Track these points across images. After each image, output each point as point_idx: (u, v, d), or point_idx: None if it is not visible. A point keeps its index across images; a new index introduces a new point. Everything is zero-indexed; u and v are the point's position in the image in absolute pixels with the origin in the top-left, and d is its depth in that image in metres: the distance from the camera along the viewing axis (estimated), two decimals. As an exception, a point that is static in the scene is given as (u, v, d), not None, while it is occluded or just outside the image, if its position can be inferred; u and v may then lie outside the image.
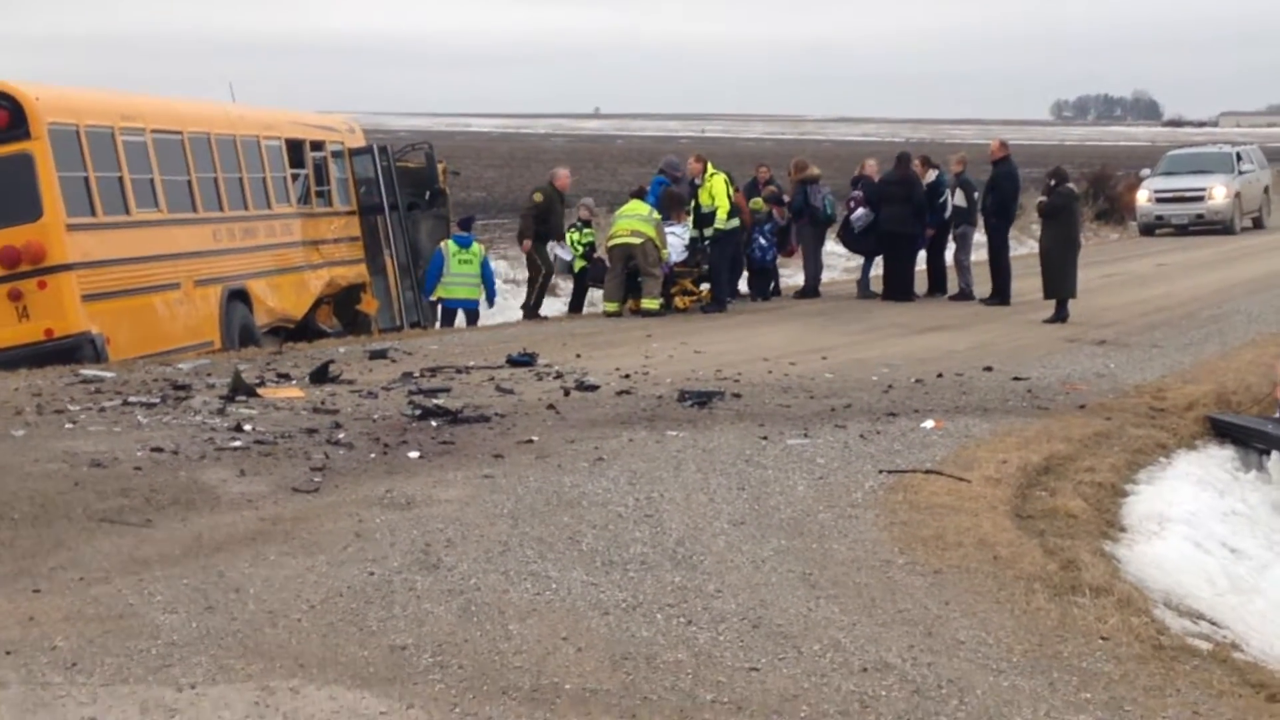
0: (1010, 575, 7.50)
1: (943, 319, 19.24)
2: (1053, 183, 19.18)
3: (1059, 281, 18.73)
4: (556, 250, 20.68)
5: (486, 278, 20.43)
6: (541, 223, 20.54)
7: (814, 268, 22.80)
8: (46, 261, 15.08)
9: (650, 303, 19.68)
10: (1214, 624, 7.65)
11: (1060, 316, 18.61)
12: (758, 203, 21.74)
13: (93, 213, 15.86)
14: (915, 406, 12.19)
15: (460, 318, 20.26)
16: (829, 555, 7.80)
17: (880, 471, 9.70)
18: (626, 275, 20.03)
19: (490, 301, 21.07)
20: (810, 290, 22.51)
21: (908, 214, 21.25)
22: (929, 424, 11.34)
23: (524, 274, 26.98)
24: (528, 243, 20.65)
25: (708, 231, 20.00)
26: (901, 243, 21.66)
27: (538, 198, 20.54)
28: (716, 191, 19.95)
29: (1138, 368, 14.83)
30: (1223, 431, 12.36)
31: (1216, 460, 11.74)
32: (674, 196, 20.61)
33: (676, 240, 20.18)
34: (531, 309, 20.84)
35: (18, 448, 10.14)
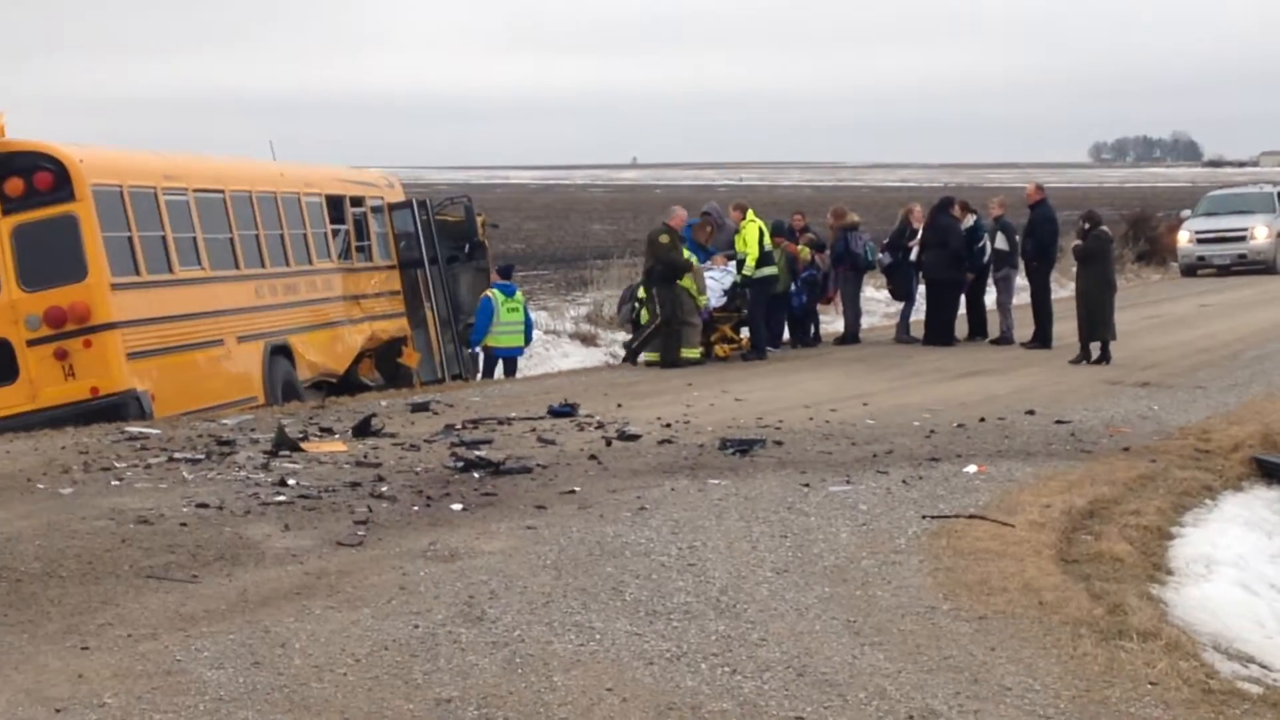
0: (1056, 620, 7.45)
1: (984, 363, 19.19)
2: (1087, 226, 19.15)
3: (1098, 324, 18.68)
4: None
5: (528, 324, 20.59)
6: (669, 264, 20.05)
7: (853, 314, 22.80)
8: (91, 320, 15.22)
9: (689, 352, 19.70)
10: (1264, 667, 7.57)
11: (1103, 358, 18.55)
12: (804, 250, 21.77)
13: (136, 272, 16.01)
14: (957, 451, 12.15)
15: (499, 368, 20.32)
16: (873, 602, 7.77)
17: (923, 517, 9.67)
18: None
19: (527, 344, 21.13)
20: (850, 336, 22.50)
21: (945, 259, 21.24)
22: (972, 469, 11.30)
23: (563, 325, 27.16)
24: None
25: (738, 276, 20.06)
26: (941, 287, 21.65)
27: (665, 239, 19.63)
28: (749, 239, 19.99)
29: (1182, 409, 14.75)
30: (1269, 472, 12.26)
31: (1263, 501, 11.65)
32: (707, 221, 20.79)
33: (715, 285, 20.18)
34: (634, 353, 20.35)
35: (65, 506, 10.22)
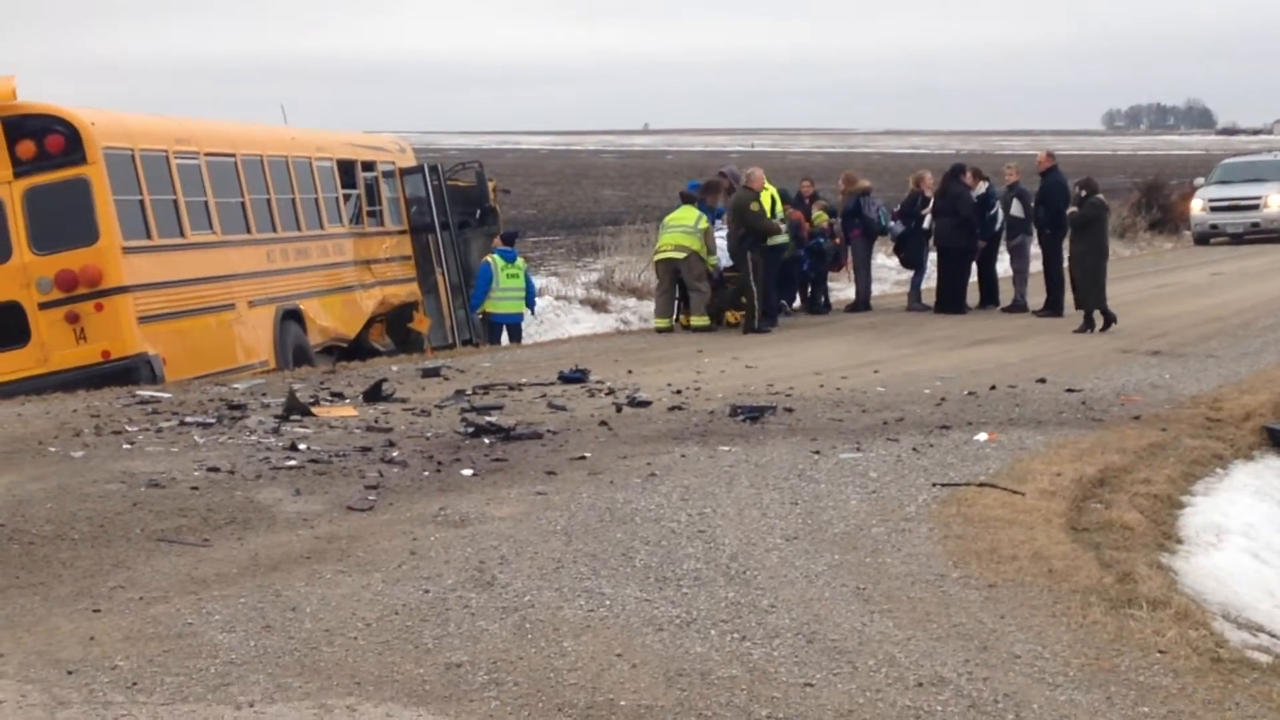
0: (1066, 588, 7.46)
1: (995, 331, 19.16)
2: (1083, 194, 19.12)
3: (1092, 292, 18.68)
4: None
5: (530, 290, 20.56)
6: (761, 229, 19.58)
7: (865, 281, 22.77)
8: (103, 284, 15.23)
9: (699, 320, 19.68)
10: (1273, 636, 7.58)
11: (1105, 324, 18.53)
12: (820, 216, 21.71)
13: (148, 235, 16.02)
14: (968, 419, 12.14)
15: (504, 334, 20.33)
16: (883, 570, 7.78)
17: (933, 485, 9.67)
18: (676, 289, 20.05)
19: (532, 311, 21.10)
20: (862, 304, 22.48)
21: (956, 227, 21.19)
22: (982, 436, 11.30)
23: (574, 291, 27.17)
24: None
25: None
26: (952, 255, 21.61)
27: (755, 206, 19.39)
28: (762, 205, 19.91)
29: (1193, 378, 14.73)
30: (1280, 442, 12.25)
31: (1274, 470, 11.64)
32: (713, 184, 20.69)
33: (726, 244, 20.12)
34: (718, 316, 20.01)
35: (77, 469, 10.25)
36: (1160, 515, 9.58)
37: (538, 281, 24.34)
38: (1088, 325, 18.73)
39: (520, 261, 20.49)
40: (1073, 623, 6.97)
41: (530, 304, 20.82)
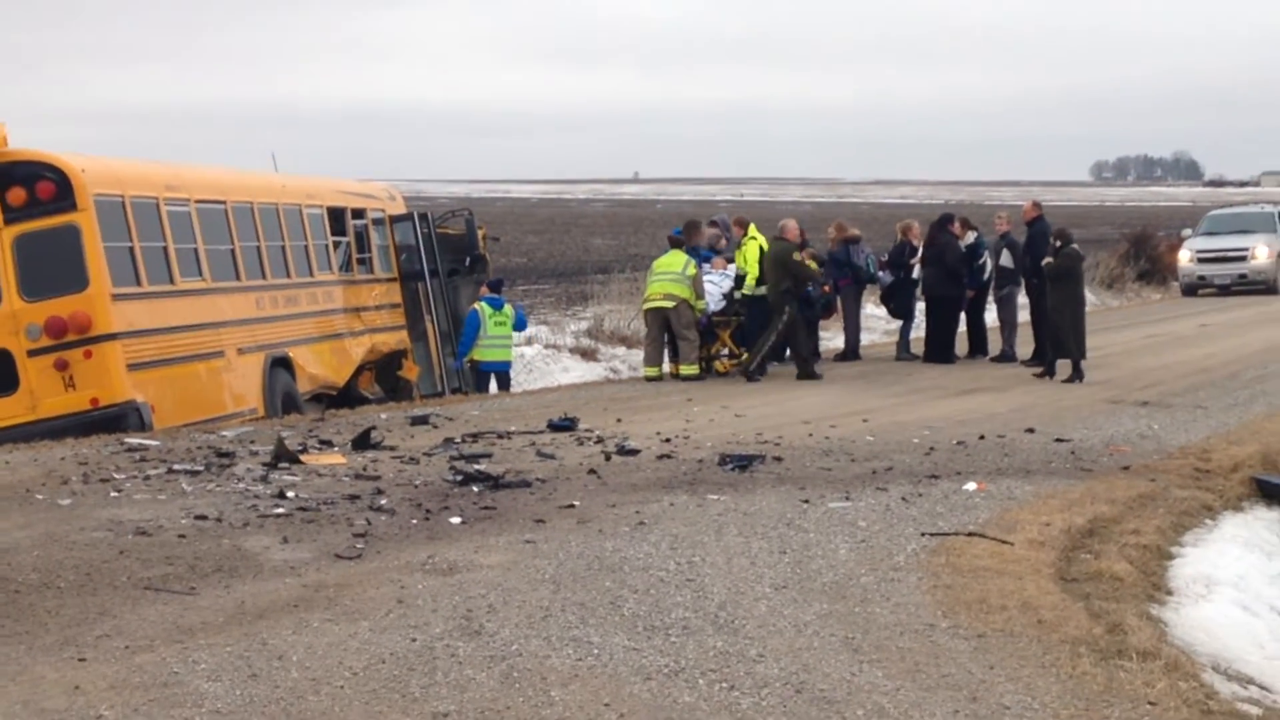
0: (1055, 639, 7.44)
1: (984, 381, 19.18)
2: (1058, 244, 19.22)
3: (1070, 343, 18.76)
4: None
5: (519, 327, 20.63)
6: (804, 278, 19.87)
7: (854, 330, 22.81)
8: (92, 331, 15.22)
9: (688, 369, 19.70)
10: (1263, 688, 7.56)
11: (1075, 375, 18.64)
12: (810, 264, 21.78)
13: (138, 282, 16.02)
14: (957, 469, 12.14)
15: (493, 382, 20.30)
16: (872, 619, 7.76)
17: (922, 534, 9.66)
18: (665, 338, 20.08)
19: (522, 329, 21.17)
20: (851, 353, 22.50)
21: (945, 276, 21.25)
22: (971, 486, 11.30)
23: (563, 340, 27.18)
24: (827, 287, 20.55)
25: (738, 293, 20.06)
26: (941, 305, 21.66)
27: (798, 255, 19.62)
28: (749, 256, 19.99)
29: (1182, 429, 14.74)
30: (1269, 493, 12.25)
31: (1264, 522, 11.64)
32: (693, 224, 21.07)
33: (714, 289, 20.17)
34: (758, 368, 19.89)
35: (64, 516, 10.21)
36: (1150, 566, 9.57)
37: (529, 328, 24.39)
38: (1049, 371, 18.84)
39: (508, 309, 20.51)
40: (1062, 673, 6.95)
41: (519, 327, 20.86)
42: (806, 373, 19.47)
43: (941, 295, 21.50)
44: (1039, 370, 19.03)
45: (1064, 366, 18.86)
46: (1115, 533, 10.15)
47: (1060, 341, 18.87)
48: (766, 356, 20.19)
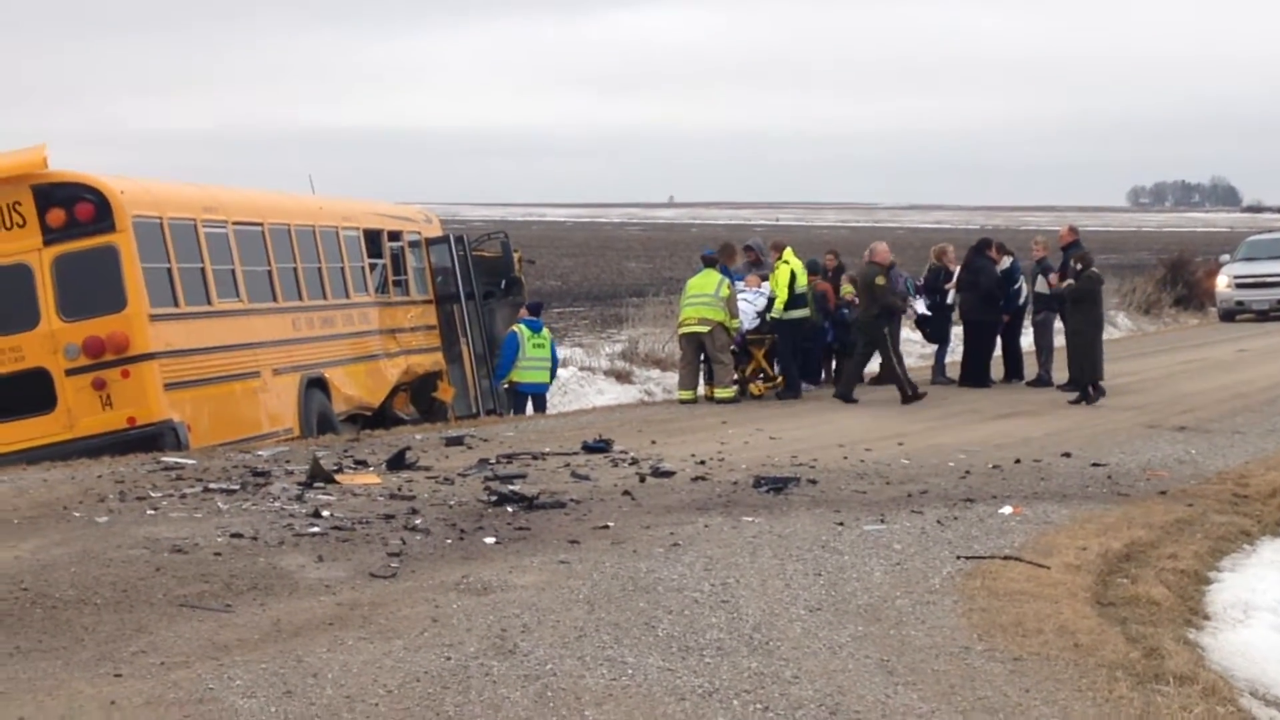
0: (1092, 663, 7.40)
1: (1019, 405, 19.12)
2: (1079, 267, 19.17)
3: (1089, 364, 18.74)
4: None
5: (554, 360, 20.61)
6: (887, 306, 19.91)
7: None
8: (130, 351, 15.31)
9: (723, 392, 19.68)
10: (1302, 714, 7.50)
11: (1095, 397, 18.58)
12: (846, 288, 21.79)
13: (175, 303, 16.12)
14: (993, 492, 12.09)
15: (529, 404, 20.35)
16: (906, 642, 7.73)
17: (958, 558, 9.62)
18: (700, 361, 20.08)
19: (552, 381, 21.10)
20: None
21: (981, 301, 21.21)
22: (1007, 510, 11.25)
23: (598, 362, 27.20)
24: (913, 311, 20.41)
25: (769, 315, 20.10)
26: (977, 329, 21.61)
27: (881, 280, 19.67)
28: (779, 280, 20.00)
29: (1220, 454, 14.66)
30: (1308, 518, 12.15)
31: (1302, 547, 11.55)
32: (727, 247, 21.12)
33: (749, 306, 20.16)
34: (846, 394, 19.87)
35: (101, 534, 10.26)
36: (1187, 591, 9.52)
37: (562, 352, 24.40)
38: (1083, 396, 18.81)
39: (545, 332, 20.57)
40: (1098, 698, 6.90)
41: (553, 374, 20.86)
42: (909, 396, 19.41)
43: (977, 320, 21.47)
44: (1076, 398, 18.94)
45: (1112, 390, 18.85)
46: (1152, 557, 10.10)
47: (1082, 364, 18.85)
48: (796, 379, 20.22)
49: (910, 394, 19.34)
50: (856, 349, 20.28)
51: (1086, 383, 18.86)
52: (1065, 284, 19.44)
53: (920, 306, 22.14)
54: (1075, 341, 18.97)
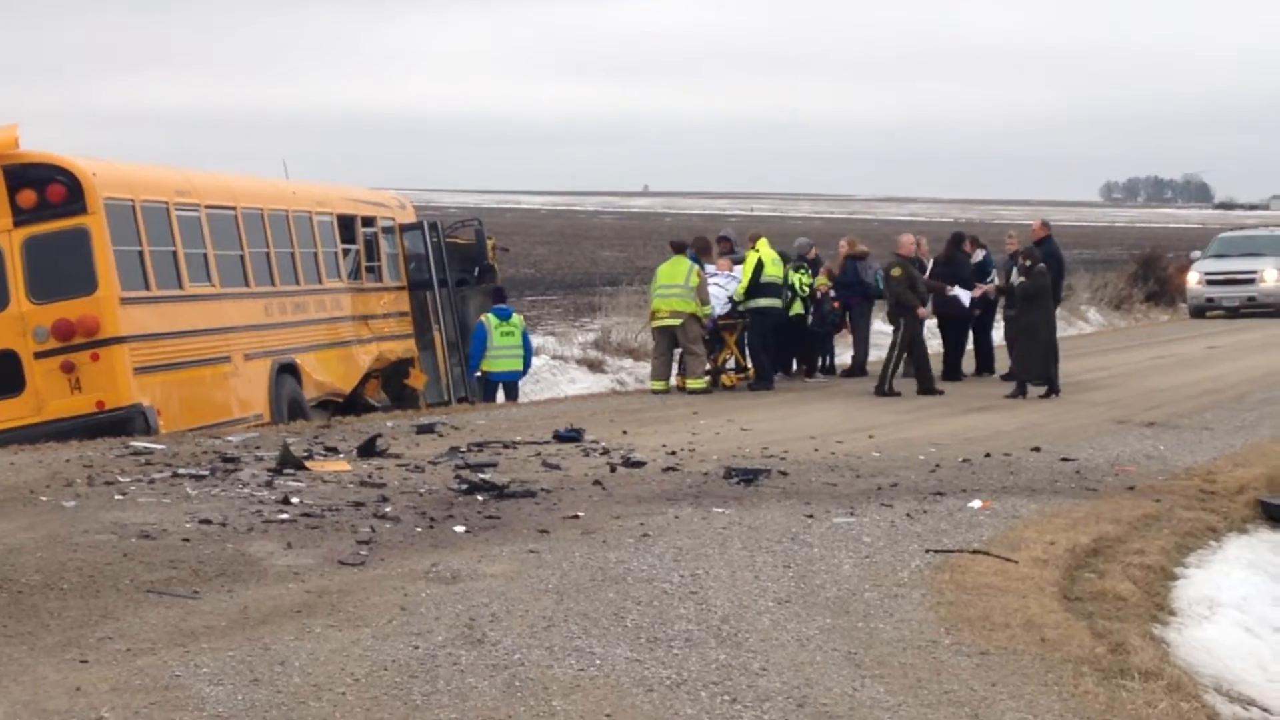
0: (1058, 657, 7.43)
1: (990, 399, 19.16)
2: (1029, 264, 19.21)
3: (1040, 360, 18.80)
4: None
5: (527, 348, 20.53)
6: (906, 298, 19.89)
7: (863, 346, 22.80)
8: (100, 334, 15.25)
9: (695, 383, 19.69)
10: (1265, 710, 7.56)
11: (1052, 390, 18.67)
12: (822, 279, 21.80)
13: (146, 286, 16.05)
14: (962, 486, 12.13)
15: (500, 392, 20.32)
16: (874, 635, 7.75)
17: (927, 551, 9.65)
18: (672, 352, 20.09)
19: (526, 370, 21.03)
20: (858, 369, 22.49)
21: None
22: (976, 504, 11.29)
23: (570, 351, 27.19)
24: (924, 310, 20.29)
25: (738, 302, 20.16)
26: (949, 324, 21.65)
27: (897, 272, 19.67)
28: (746, 268, 20.03)
29: (1188, 450, 14.72)
30: (1274, 515, 12.23)
31: (1268, 544, 11.61)
32: (703, 242, 21.06)
33: (720, 290, 20.14)
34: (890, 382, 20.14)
35: (68, 519, 10.22)
36: (1153, 586, 9.56)
37: (534, 341, 24.37)
38: (1020, 391, 18.95)
39: (517, 319, 20.51)
40: (1064, 692, 6.94)
41: (527, 363, 20.81)
42: (928, 389, 19.52)
43: (950, 314, 21.50)
44: (1011, 393, 19.00)
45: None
46: (1119, 553, 10.14)
47: (1031, 360, 18.88)
48: (767, 370, 20.25)
49: (884, 389, 19.36)
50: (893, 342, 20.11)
51: (1035, 378, 18.88)
52: (1018, 281, 19.46)
53: (964, 297, 21.89)
54: (1026, 337, 19.02)
